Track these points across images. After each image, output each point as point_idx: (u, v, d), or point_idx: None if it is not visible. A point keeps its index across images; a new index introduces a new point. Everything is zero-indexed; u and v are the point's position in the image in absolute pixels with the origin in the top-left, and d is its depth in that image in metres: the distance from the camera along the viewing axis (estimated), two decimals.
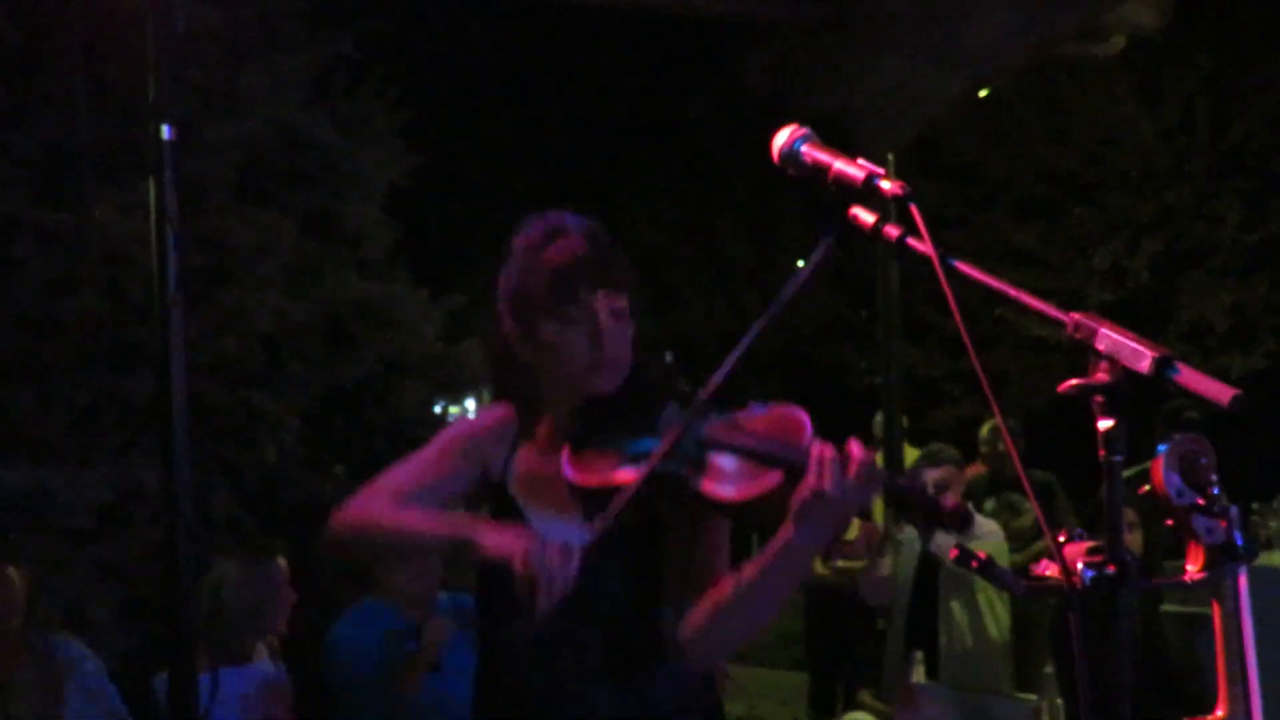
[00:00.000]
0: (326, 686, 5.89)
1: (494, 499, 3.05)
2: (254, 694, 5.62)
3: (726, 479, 2.71)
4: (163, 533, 4.45)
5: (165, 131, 4.28)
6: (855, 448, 2.61)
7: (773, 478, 2.67)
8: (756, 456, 2.70)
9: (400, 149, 8.20)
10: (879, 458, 2.65)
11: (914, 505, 2.57)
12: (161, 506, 4.51)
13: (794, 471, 2.64)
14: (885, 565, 8.34)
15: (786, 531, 2.68)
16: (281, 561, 5.86)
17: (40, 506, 6.16)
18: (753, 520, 2.82)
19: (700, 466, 2.73)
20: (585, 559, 2.77)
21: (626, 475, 2.76)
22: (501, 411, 3.11)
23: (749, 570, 2.80)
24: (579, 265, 2.92)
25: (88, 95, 6.32)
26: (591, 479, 2.83)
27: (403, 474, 3.08)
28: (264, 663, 5.78)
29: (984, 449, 9.70)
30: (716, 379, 2.68)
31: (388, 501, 3.01)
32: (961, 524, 2.44)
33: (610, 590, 2.91)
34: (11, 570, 5.45)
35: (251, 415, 6.97)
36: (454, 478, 3.08)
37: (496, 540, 2.78)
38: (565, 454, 2.87)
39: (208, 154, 6.93)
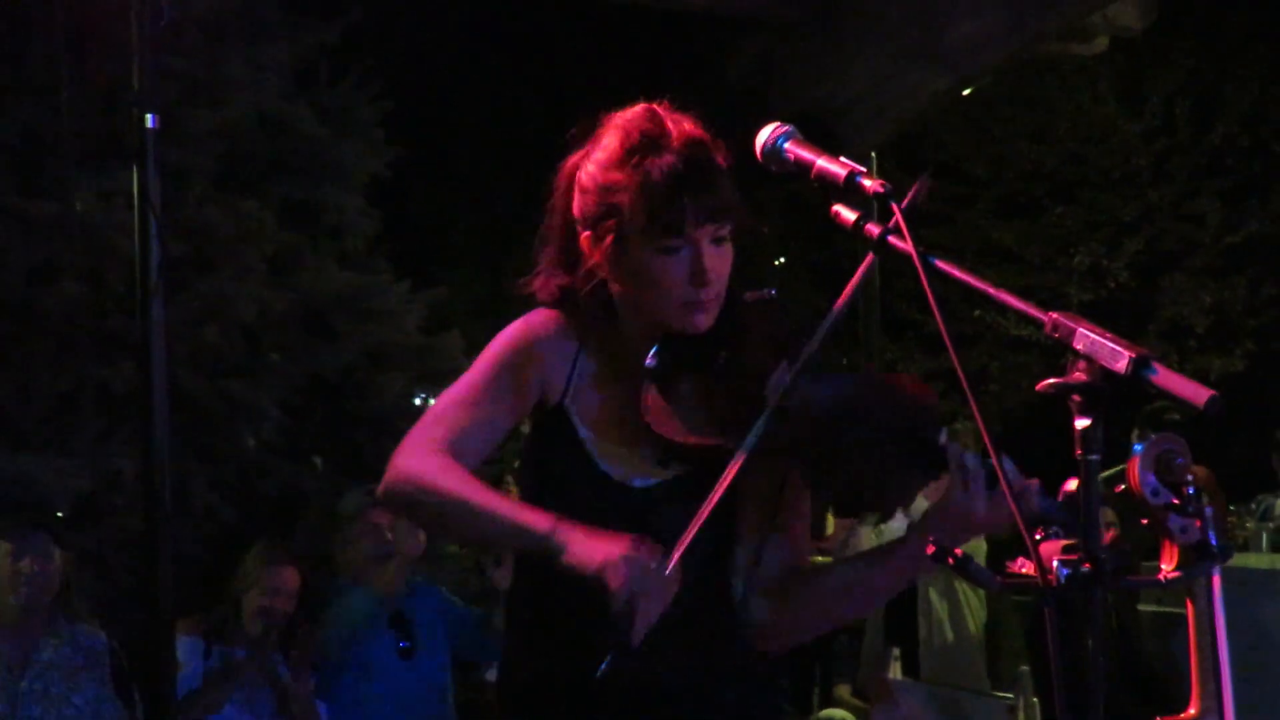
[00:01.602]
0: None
1: (550, 423, 2.78)
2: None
3: (856, 467, 2.50)
4: (142, 521, 4.44)
5: (148, 119, 4.28)
6: (1012, 470, 2.38)
7: (902, 473, 2.53)
8: (886, 446, 2.50)
9: (382, 140, 8.18)
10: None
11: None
12: (141, 495, 4.50)
13: (925, 469, 2.49)
14: (859, 540, 8.38)
15: (917, 542, 2.55)
16: (289, 572, 5.88)
17: (19, 494, 6.14)
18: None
19: (824, 449, 2.52)
20: (658, 506, 2.64)
21: (723, 443, 2.54)
22: (559, 322, 2.82)
23: (860, 567, 2.72)
24: (682, 194, 2.62)
25: (69, 83, 6.30)
26: (685, 436, 2.58)
27: (457, 410, 2.76)
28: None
29: None
30: (813, 345, 2.55)
31: (452, 462, 2.66)
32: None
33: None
34: (55, 549, 5.51)
35: (231, 405, 6.94)
36: (514, 409, 2.79)
37: (588, 553, 2.49)
38: (650, 397, 2.63)
39: (189, 143, 6.91)
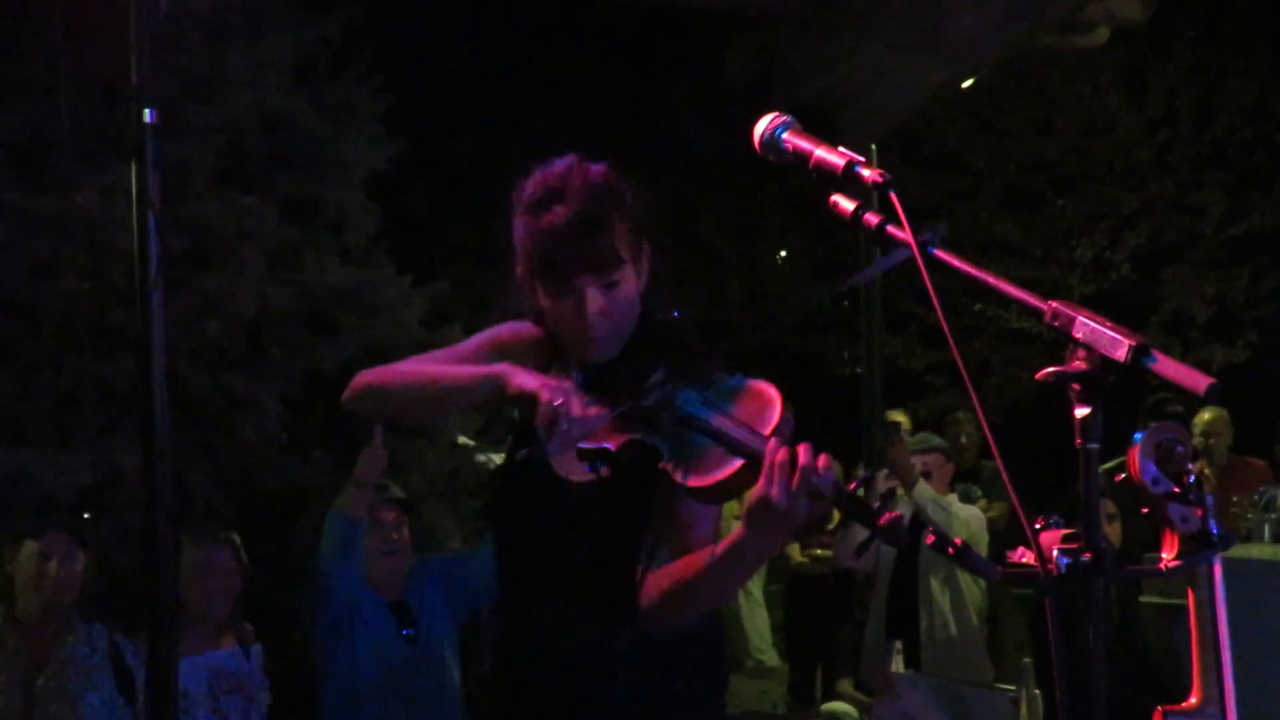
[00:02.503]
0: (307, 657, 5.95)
1: (519, 421, 3.10)
2: (203, 685, 5.65)
3: (692, 462, 2.72)
4: (143, 517, 4.44)
5: (147, 115, 4.27)
6: (804, 454, 2.56)
7: (733, 466, 2.66)
8: (724, 441, 2.68)
9: (383, 135, 8.18)
10: (837, 466, 2.61)
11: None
12: (142, 491, 4.50)
13: (754, 462, 2.63)
14: (859, 530, 8.36)
15: (739, 531, 2.71)
16: (225, 548, 5.87)
17: (20, 491, 6.15)
18: (716, 501, 2.86)
19: (674, 442, 2.75)
20: (591, 499, 2.91)
21: (614, 441, 2.79)
22: (537, 332, 3.13)
23: (704, 558, 2.81)
24: (565, 249, 2.91)
25: (69, 78, 6.30)
26: (591, 442, 2.83)
27: (430, 355, 3.19)
28: (223, 653, 5.79)
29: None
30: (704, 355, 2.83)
31: (411, 362, 3.09)
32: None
33: (608, 533, 2.95)
34: (79, 550, 5.55)
35: (232, 400, 6.95)
36: None
37: (525, 378, 2.82)
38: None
39: (189, 138, 6.92)
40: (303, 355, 7.29)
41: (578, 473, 2.92)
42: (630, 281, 2.97)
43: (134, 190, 4.35)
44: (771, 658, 11.77)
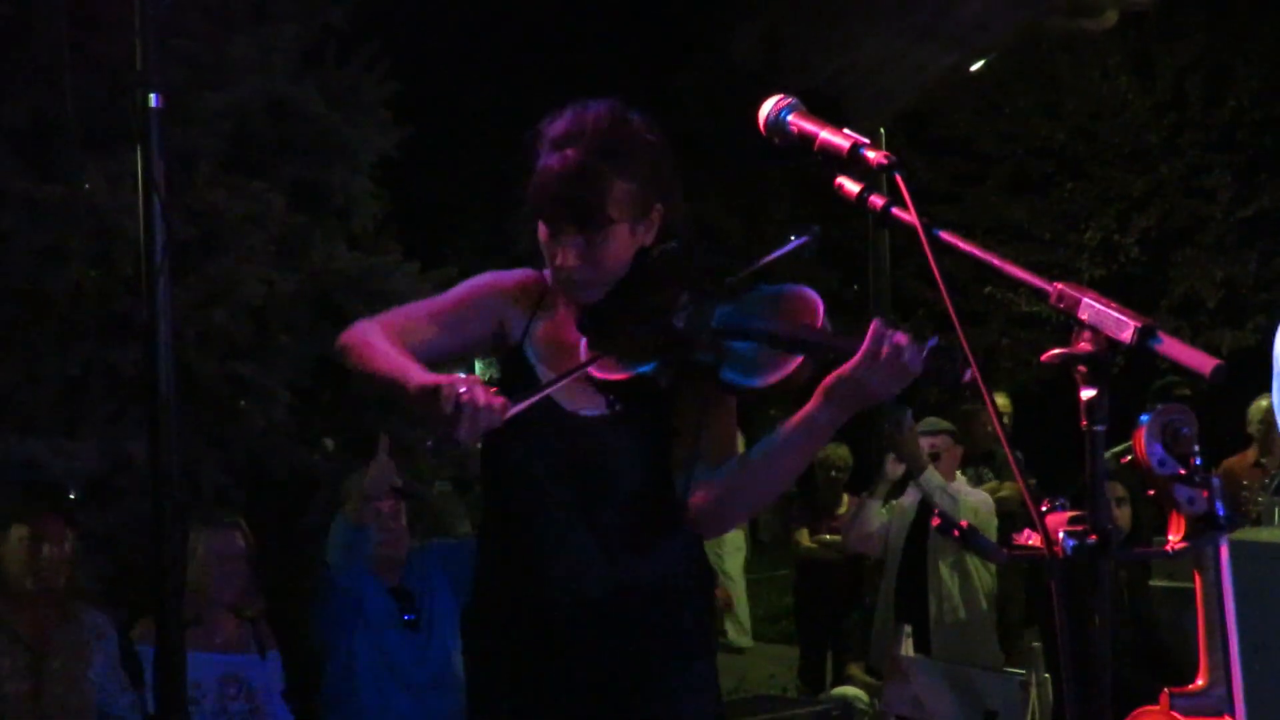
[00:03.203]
0: (307, 642, 5.94)
1: (509, 360, 3.15)
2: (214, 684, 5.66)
3: (748, 366, 2.82)
4: (150, 504, 4.43)
5: (153, 100, 4.26)
6: (900, 337, 2.73)
7: (793, 363, 2.78)
8: (777, 342, 2.80)
9: (390, 120, 8.17)
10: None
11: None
12: (149, 478, 4.50)
13: (815, 355, 2.77)
14: (869, 513, 8.36)
15: (813, 408, 2.83)
16: (237, 535, 5.88)
17: (28, 477, 6.15)
18: (770, 401, 3.00)
19: (721, 354, 2.84)
20: (604, 433, 2.99)
21: (633, 374, 2.90)
22: (529, 275, 3.19)
23: (768, 441, 2.94)
24: (553, 197, 3.00)
25: (74, 65, 6.29)
26: (607, 375, 2.94)
27: (419, 309, 3.19)
28: (240, 658, 5.79)
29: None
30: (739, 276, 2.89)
31: (384, 331, 3.08)
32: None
33: (623, 467, 3.03)
34: (67, 530, 5.57)
35: (240, 387, 6.95)
36: (466, 324, 3.15)
37: (425, 375, 2.84)
38: (584, 346, 3.00)
39: (196, 124, 6.91)
40: (310, 341, 7.28)
41: (587, 407, 3.02)
42: (621, 239, 3.02)
43: (139, 176, 4.34)
44: (746, 640, 11.88)
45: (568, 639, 3.02)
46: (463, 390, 2.70)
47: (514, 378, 3.09)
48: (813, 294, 2.87)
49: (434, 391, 2.74)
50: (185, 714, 4.47)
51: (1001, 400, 11.00)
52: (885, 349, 2.70)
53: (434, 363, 3.02)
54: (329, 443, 7.69)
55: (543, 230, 3.05)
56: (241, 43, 7.27)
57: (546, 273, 3.16)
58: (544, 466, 3.04)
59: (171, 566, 4.37)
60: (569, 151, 2.97)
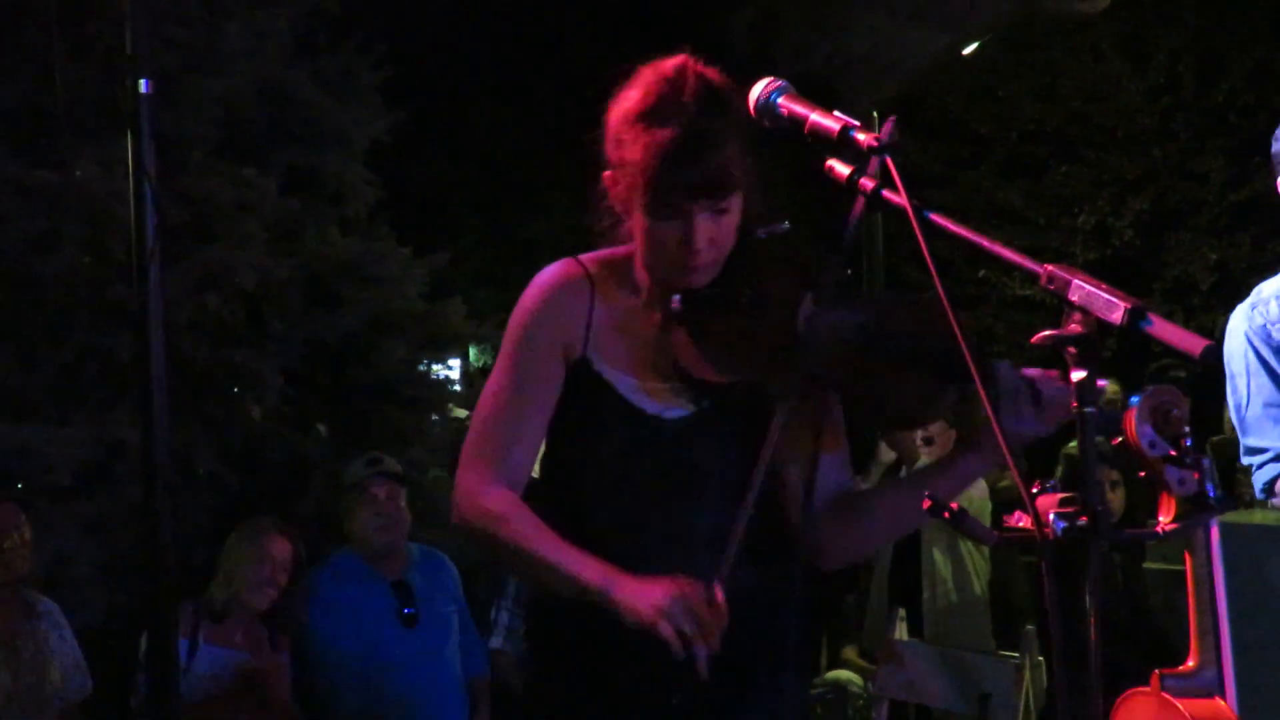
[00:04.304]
0: (303, 633, 5.92)
1: (574, 374, 2.81)
2: (223, 674, 5.64)
3: (891, 384, 2.60)
4: (143, 491, 4.43)
5: (143, 85, 4.25)
6: (1048, 385, 2.55)
7: (944, 393, 2.58)
8: (923, 364, 2.57)
9: (383, 106, 8.16)
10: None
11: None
12: (142, 464, 4.49)
13: (962, 384, 2.51)
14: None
15: (972, 457, 2.72)
16: (278, 541, 5.84)
17: (22, 465, 6.15)
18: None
19: (858, 370, 2.62)
20: (693, 437, 2.73)
21: (759, 378, 2.67)
22: (567, 274, 2.86)
23: (917, 483, 2.78)
24: (679, 170, 2.64)
25: (65, 50, 6.28)
26: (720, 375, 2.69)
27: (502, 422, 2.80)
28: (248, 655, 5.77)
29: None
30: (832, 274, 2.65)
31: (510, 502, 2.74)
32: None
33: (715, 471, 2.77)
34: (23, 516, 5.55)
35: (234, 373, 6.95)
36: (550, 390, 2.82)
37: (639, 609, 2.55)
38: (678, 337, 2.72)
39: (188, 110, 6.90)
40: (303, 327, 7.29)
41: (672, 407, 2.78)
42: (738, 208, 2.74)
43: (131, 162, 4.33)
44: None
45: (660, 653, 2.65)
46: (689, 627, 2.50)
47: (579, 387, 2.81)
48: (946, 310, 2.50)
49: (657, 634, 2.52)
50: (178, 697, 4.46)
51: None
52: (1018, 394, 2.56)
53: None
54: (322, 429, 7.69)
55: (650, 214, 2.71)
56: (233, 28, 7.27)
57: (584, 259, 2.88)
58: (626, 476, 2.77)
59: (164, 552, 4.36)
60: (673, 122, 2.65)
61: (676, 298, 2.72)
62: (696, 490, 2.75)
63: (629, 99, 2.74)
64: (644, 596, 2.55)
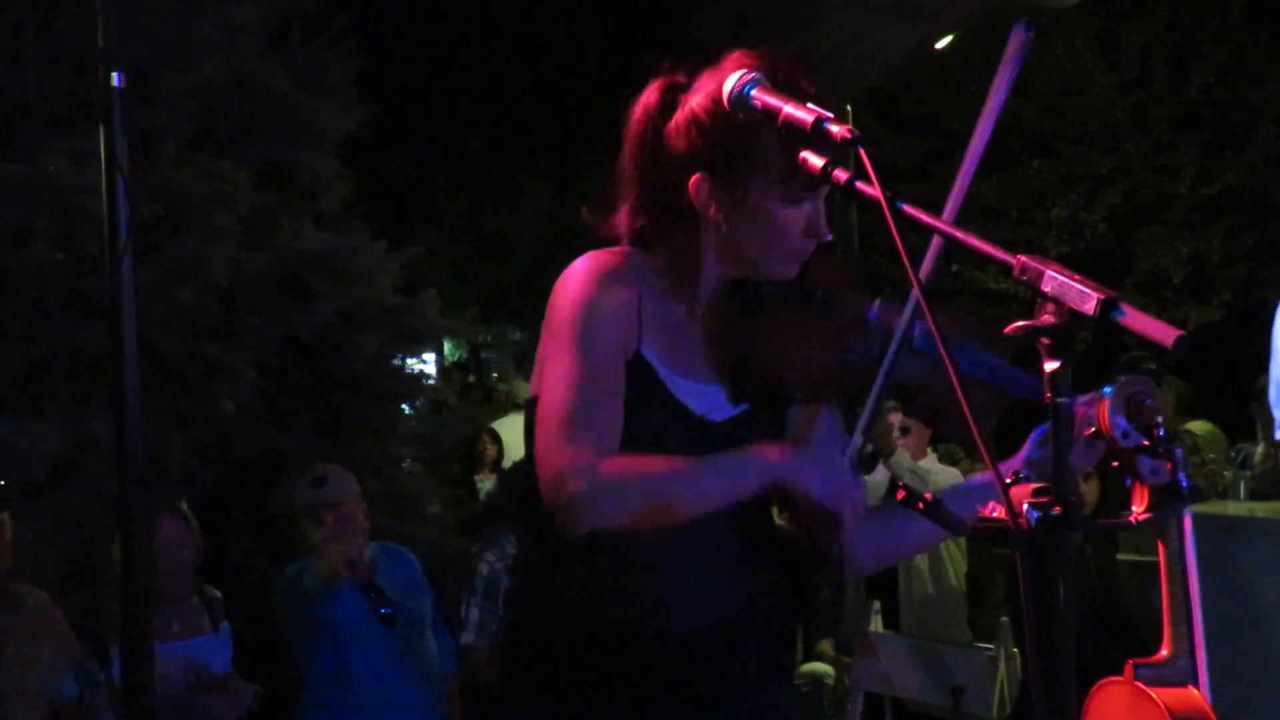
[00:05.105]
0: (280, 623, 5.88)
1: (629, 370, 2.72)
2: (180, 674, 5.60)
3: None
4: (115, 485, 4.41)
5: (115, 78, 4.24)
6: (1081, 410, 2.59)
7: (999, 400, 2.66)
8: (992, 375, 2.65)
9: (356, 99, 8.15)
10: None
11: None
12: (114, 459, 4.48)
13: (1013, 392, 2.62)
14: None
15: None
16: (180, 523, 5.76)
17: None
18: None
19: (930, 374, 2.66)
20: (738, 437, 2.68)
21: (838, 375, 2.70)
22: (615, 267, 2.76)
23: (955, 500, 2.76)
24: (830, 148, 2.43)
25: (37, 43, 6.25)
26: (799, 370, 2.71)
27: (580, 416, 2.63)
28: (198, 640, 5.72)
29: None
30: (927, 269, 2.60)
31: (623, 462, 2.61)
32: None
33: None
34: (4, 515, 5.50)
35: (207, 367, 6.93)
36: (619, 382, 2.70)
37: (814, 486, 2.55)
38: (751, 328, 2.71)
39: (161, 103, 6.88)
40: (277, 321, 7.27)
41: (717, 408, 2.76)
42: None
43: (103, 156, 4.31)
44: None
45: (668, 665, 2.72)
46: (847, 503, 2.54)
47: (637, 388, 2.71)
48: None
49: (830, 510, 2.54)
50: (154, 696, 4.45)
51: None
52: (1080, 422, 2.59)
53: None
54: (296, 422, 7.67)
55: (782, 201, 2.66)
56: (206, 21, 7.25)
57: (620, 251, 2.80)
58: None
59: (137, 546, 4.34)
60: (796, 92, 2.53)
61: (763, 287, 2.72)
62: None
63: (767, 87, 2.55)
64: (814, 473, 2.55)
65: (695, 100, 2.71)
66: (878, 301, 2.69)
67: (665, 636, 2.71)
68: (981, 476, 2.86)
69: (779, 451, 2.59)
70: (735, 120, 2.58)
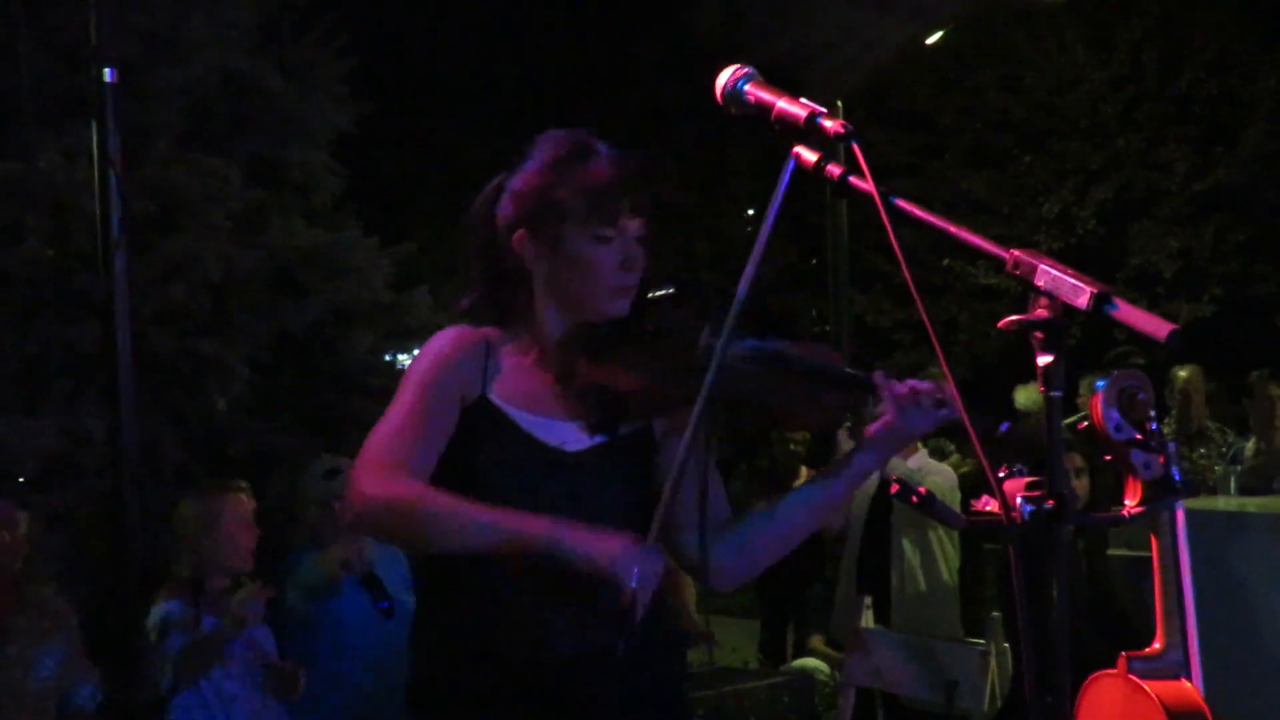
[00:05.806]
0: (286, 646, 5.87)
1: (474, 415, 2.88)
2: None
3: (793, 400, 2.81)
4: (110, 481, 4.42)
5: (107, 74, 4.24)
6: (921, 384, 2.78)
7: (834, 398, 2.80)
8: (825, 375, 2.80)
9: (348, 96, 8.14)
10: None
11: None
12: (108, 455, 4.48)
13: (858, 389, 2.80)
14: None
15: (860, 457, 2.86)
16: (239, 497, 5.77)
17: None
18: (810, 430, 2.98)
19: (761, 385, 2.79)
20: (593, 467, 2.87)
21: (670, 392, 2.80)
22: (464, 332, 2.97)
23: (807, 491, 2.95)
24: (620, 187, 2.85)
25: (29, 40, 6.25)
26: (631, 394, 2.85)
27: (401, 436, 2.84)
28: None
29: None
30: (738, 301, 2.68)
31: (423, 483, 2.77)
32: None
33: (607, 507, 2.84)
34: (20, 514, 5.48)
35: (200, 364, 6.92)
36: (447, 425, 2.87)
37: (595, 555, 2.61)
38: (583, 364, 2.85)
39: (153, 100, 6.87)
40: (270, 318, 7.27)
41: (572, 439, 2.88)
42: (646, 243, 2.93)
43: (95, 152, 4.32)
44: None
45: (555, 689, 2.81)
46: (641, 579, 2.56)
47: (479, 427, 2.87)
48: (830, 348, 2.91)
49: (615, 581, 2.58)
50: (147, 689, 4.45)
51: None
52: (905, 394, 2.77)
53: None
54: (288, 418, 7.66)
55: (591, 243, 2.86)
56: (198, 17, 7.24)
57: (462, 329, 2.99)
58: (530, 507, 2.72)
59: (131, 541, 4.35)
60: (603, 153, 2.90)
61: (588, 325, 2.89)
62: (598, 519, 2.72)
63: (540, 157, 2.94)
64: (599, 545, 2.62)
65: (513, 179, 2.97)
66: (706, 327, 2.79)
67: (548, 660, 2.81)
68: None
69: (585, 536, 2.64)
70: (543, 182, 2.89)
